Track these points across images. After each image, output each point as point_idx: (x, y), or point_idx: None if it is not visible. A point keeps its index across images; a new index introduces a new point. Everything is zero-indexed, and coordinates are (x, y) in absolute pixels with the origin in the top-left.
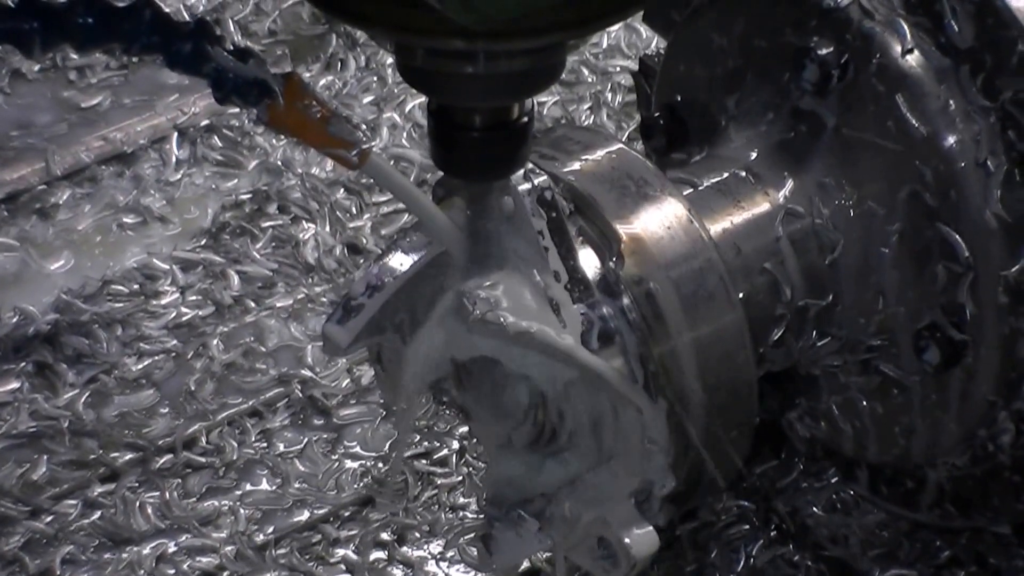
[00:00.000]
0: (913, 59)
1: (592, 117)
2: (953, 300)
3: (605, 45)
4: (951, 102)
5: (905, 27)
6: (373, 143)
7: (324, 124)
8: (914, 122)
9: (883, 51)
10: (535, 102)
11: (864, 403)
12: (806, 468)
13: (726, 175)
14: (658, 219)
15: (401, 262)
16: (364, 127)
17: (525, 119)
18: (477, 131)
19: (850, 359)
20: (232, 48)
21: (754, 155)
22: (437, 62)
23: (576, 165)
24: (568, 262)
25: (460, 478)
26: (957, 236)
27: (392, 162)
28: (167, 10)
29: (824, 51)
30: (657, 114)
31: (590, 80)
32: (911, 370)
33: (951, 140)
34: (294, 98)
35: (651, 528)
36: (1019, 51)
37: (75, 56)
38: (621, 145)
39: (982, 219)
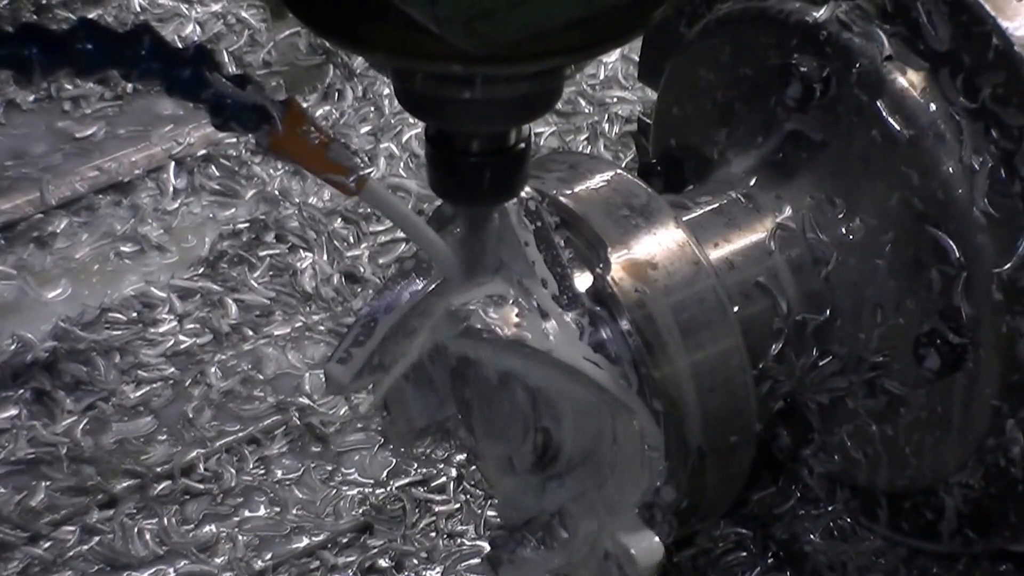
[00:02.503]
0: (893, 66)
1: (589, 147)
2: (949, 304)
3: (602, 76)
4: (932, 105)
5: (882, 36)
6: (370, 169)
7: (323, 150)
8: (897, 127)
9: (863, 61)
10: (532, 129)
11: (874, 427)
12: (803, 495)
13: (719, 197)
14: (656, 242)
15: (397, 298)
16: (363, 157)
17: (522, 145)
18: (475, 156)
19: (855, 380)
20: (231, 74)
21: (746, 177)
22: (436, 87)
23: (571, 189)
24: (555, 269)
25: (458, 505)
26: (947, 237)
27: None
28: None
29: (805, 67)
30: (654, 160)
31: (587, 111)
32: (914, 383)
33: (934, 142)
34: (293, 124)
35: (656, 538)
36: (994, 45)
37: (70, 86)
38: (618, 169)
39: (971, 218)
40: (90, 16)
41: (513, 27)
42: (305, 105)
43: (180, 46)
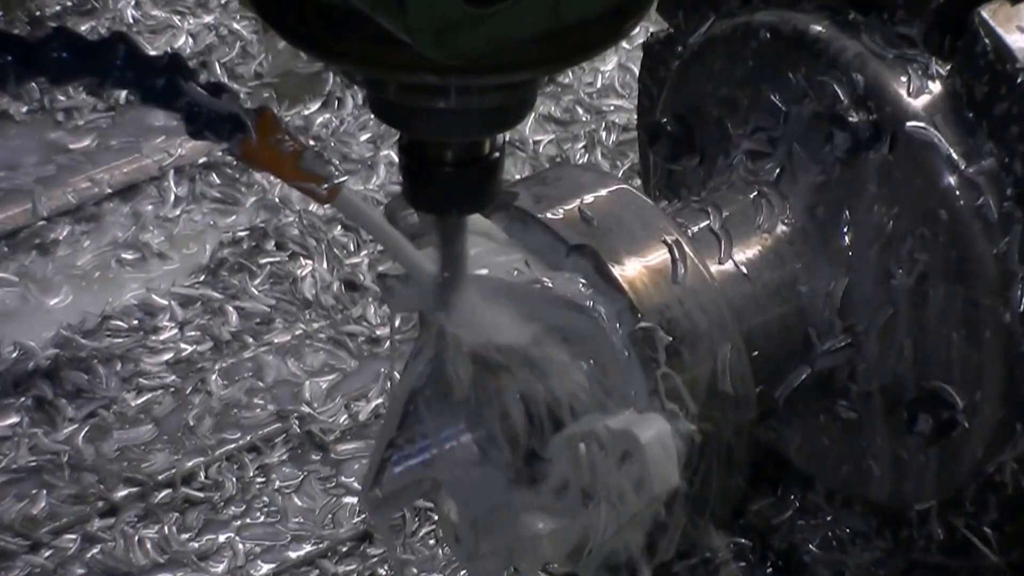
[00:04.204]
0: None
1: (587, 155)
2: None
3: (600, 84)
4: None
5: (913, 72)
6: (344, 178)
7: (296, 159)
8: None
9: (898, 107)
10: (505, 138)
11: (879, 441)
12: (802, 505)
13: (731, 204)
14: (661, 252)
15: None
16: (357, 165)
17: (496, 154)
18: (448, 166)
19: (861, 392)
20: (205, 83)
21: (761, 184)
22: (409, 97)
23: (572, 204)
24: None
25: None
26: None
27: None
28: (151, 51)
29: (855, 118)
30: (664, 120)
31: (585, 119)
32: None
33: (963, 206)
34: (266, 133)
35: (662, 419)
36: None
37: (62, 98)
38: (622, 184)
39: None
40: (82, 28)
41: (481, 39)
42: (305, 113)
43: (155, 55)
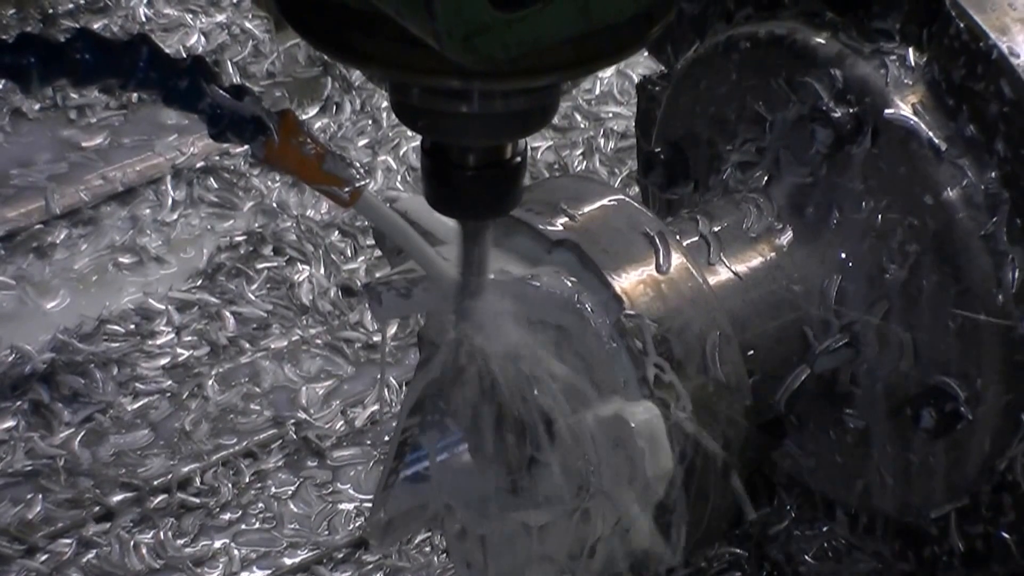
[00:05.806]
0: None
1: (585, 162)
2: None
3: (598, 91)
4: (946, 143)
5: (891, 64)
6: (366, 181)
7: (318, 161)
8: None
9: (878, 98)
10: (527, 143)
11: (888, 448)
12: (798, 515)
13: (725, 215)
14: (639, 248)
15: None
16: (358, 168)
17: (519, 158)
18: (471, 170)
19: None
20: (228, 85)
21: (755, 193)
22: (434, 101)
23: (554, 204)
24: None
25: None
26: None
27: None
28: (166, 50)
29: (837, 113)
30: (658, 149)
31: (583, 126)
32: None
33: (949, 191)
34: (289, 135)
35: (652, 405)
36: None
37: (75, 96)
38: (621, 196)
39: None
40: (95, 26)
41: (510, 44)
42: (303, 117)
43: (178, 57)
